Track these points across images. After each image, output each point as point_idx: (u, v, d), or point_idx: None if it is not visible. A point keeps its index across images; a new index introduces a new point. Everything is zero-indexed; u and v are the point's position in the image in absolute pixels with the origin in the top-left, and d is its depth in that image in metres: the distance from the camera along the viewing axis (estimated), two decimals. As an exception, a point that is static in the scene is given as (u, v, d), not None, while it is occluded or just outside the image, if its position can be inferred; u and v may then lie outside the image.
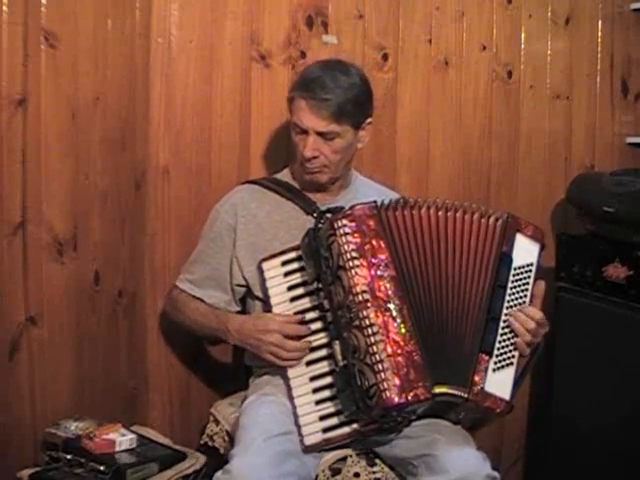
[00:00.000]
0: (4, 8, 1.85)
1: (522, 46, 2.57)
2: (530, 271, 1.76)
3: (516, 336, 1.71)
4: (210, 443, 1.99)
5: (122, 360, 2.19)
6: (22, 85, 1.90)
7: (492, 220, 1.77)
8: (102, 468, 1.78)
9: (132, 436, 1.90)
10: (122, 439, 1.87)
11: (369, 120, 1.95)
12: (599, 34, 2.64)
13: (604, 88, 2.66)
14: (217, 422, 2.00)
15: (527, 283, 1.75)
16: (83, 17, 2.00)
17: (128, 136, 2.16)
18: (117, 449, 1.86)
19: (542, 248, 1.79)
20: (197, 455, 1.94)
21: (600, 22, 2.63)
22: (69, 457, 1.83)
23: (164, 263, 2.23)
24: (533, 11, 2.57)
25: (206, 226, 2.04)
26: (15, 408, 1.95)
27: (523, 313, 1.72)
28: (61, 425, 1.92)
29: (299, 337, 1.79)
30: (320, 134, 1.87)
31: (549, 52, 2.60)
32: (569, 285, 2.39)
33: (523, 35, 2.57)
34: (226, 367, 2.31)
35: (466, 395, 1.64)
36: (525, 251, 1.76)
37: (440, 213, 1.76)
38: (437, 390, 1.63)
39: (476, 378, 1.64)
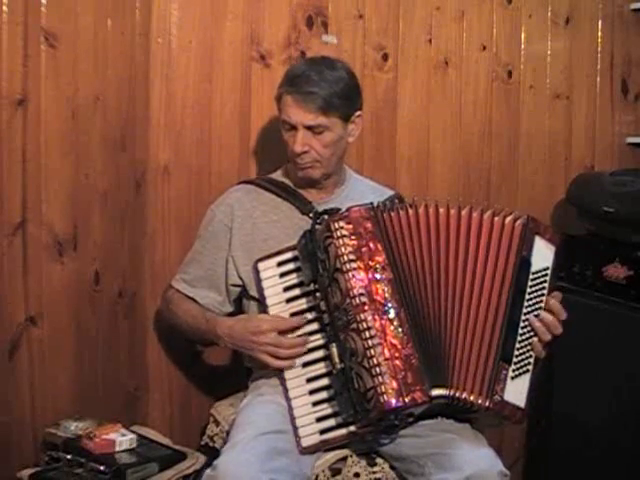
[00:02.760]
0: (4, 8, 1.85)
1: (522, 46, 2.57)
2: (546, 275, 1.72)
3: (532, 339, 1.69)
4: (210, 444, 1.99)
5: (122, 360, 2.19)
6: (22, 85, 1.90)
7: (509, 221, 1.72)
8: (102, 468, 1.79)
9: (132, 436, 1.90)
10: (122, 439, 1.87)
11: (358, 113, 1.94)
12: (599, 34, 2.64)
13: (604, 88, 2.66)
14: (217, 423, 2.00)
15: (544, 288, 1.72)
16: (83, 17, 2.01)
17: (128, 136, 2.16)
18: (117, 449, 1.86)
19: (557, 250, 1.76)
20: (197, 455, 1.94)
21: (600, 22, 2.63)
22: (69, 457, 1.83)
23: (164, 263, 2.23)
24: (533, 11, 2.57)
25: (202, 226, 2.04)
26: (15, 408, 1.95)
27: (548, 311, 1.70)
28: (61, 425, 1.92)
29: (294, 332, 1.78)
30: (309, 128, 1.86)
31: (549, 52, 2.60)
32: (569, 285, 2.38)
33: (523, 35, 2.57)
34: (226, 367, 2.31)
35: (487, 404, 1.62)
36: (542, 255, 1.72)
37: (441, 211, 1.73)
38: (435, 393, 1.62)
39: (497, 387, 1.62)
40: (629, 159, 2.69)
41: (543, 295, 1.72)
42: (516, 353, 1.67)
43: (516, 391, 1.65)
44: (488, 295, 1.68)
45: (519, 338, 1.67)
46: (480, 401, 1.63)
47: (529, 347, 1.69)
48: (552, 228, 1.78)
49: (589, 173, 2.60)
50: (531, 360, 1.69)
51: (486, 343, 1.66)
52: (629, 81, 2.68)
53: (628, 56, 2.67)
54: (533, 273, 1.71)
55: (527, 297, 1.69)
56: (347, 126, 1.92)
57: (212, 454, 1.92)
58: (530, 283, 1.70)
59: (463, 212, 1.73)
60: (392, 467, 1.82)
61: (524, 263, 1.70)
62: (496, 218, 1.73)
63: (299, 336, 1.78)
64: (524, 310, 1.69)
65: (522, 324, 1.68)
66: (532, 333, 1.69)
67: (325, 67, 1.89)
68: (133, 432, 1.93)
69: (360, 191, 2.02)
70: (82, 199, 2.04)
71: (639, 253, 2.18)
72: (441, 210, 1.73)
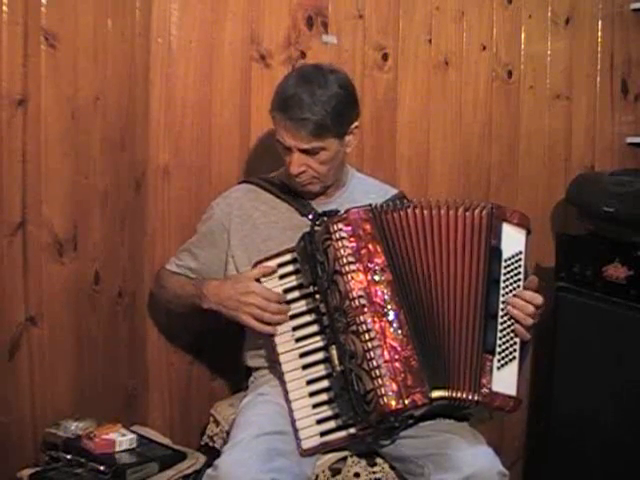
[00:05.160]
0: (4, 8, 1.85)
1: (522, 46, 2.57)
2: (520, 260, 1.74)
3: (515, 326, 1.69)
4: (210, 444, 1.99)
5: (122, 360, 2.19)
6: (22, 85, 1.89)
7: (477, 212, 1.74)
8: (102, 468, 1.79)
9: (132, 436, 1.90)
10: (122, 439, 1.87)
11: (355, 124, 1.91)
12: (599, 34, 2.64)
13: (604, 88, 2.66)
14: (217, 423, 2.00)
15: (519, 272, 1.73)
16: (83, 17, 2.00)
17: (128, 136, 2.16)
18: (117, 449, 1.86)
19: (528, 233, 1.77)
20: (197, 455, 1.94)
21: (600, 22, 2.63)
22: (69, 457, 1.84)
23: (164, 263, 2.22)
24: (533, 11, 2.57)
25: (201, 221, 2.06)
26: (15, 408, 1.95)
27: (520, 298, 1.70)
28: (61, 425, 1.92)
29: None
30: (303, 151, 1.85)
31: (549, 52, 2.60)
32: (569, 285, 2.39)
33: (523, 35, 2.57)
34: (226, 367, 2.31)
35: (476, 398, 1.63)
36: (513, 240, 1.74)
37: (425, 212, 1.74)
38: (435, 395, 1.63)
39: (483, 380, 1.63)
40: (629, 159, 2.68)
41: (520, 280, 1.73)
42: (499, 343, 1.67)
43: (505, 380, 1.65)
44: (468, 290, 1.70)
45: (500, 327, 1.68)
46: (470, 397, 1.63)
47: (512, 335, 1.70)
48: (520, 212, 1.77)
49: (589, 173, 2.60)
50: (516, 347, 1.70)
51: (470, 338, 1.67)
52: (629, 81, 2.68)
53: (628, 56, 2.67)
54: (506, 260, 1.72)
55: (502, 285, 1.71)
56: (344, 140, 1.90)
57: (212, 454, 1.92)
58: (504, 271, 1.71)
59: (442, 211, 1.74)
60: (392, 467, 1.82)
61: (494, 252, 1.71)
62: (467, 213, 1.74)
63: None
64: (501, 299, 1.70)
65: (501, 313, 1.69)
66: (513, 320, 1.70)
67: (317, 86, 1.83)
68: (133, 432, 1.93)
69: (362, 191, 2.02)
70: (82, 199, 2.04)
71: (639, 253, 2.18)
72: (425, 212, 1.74)
